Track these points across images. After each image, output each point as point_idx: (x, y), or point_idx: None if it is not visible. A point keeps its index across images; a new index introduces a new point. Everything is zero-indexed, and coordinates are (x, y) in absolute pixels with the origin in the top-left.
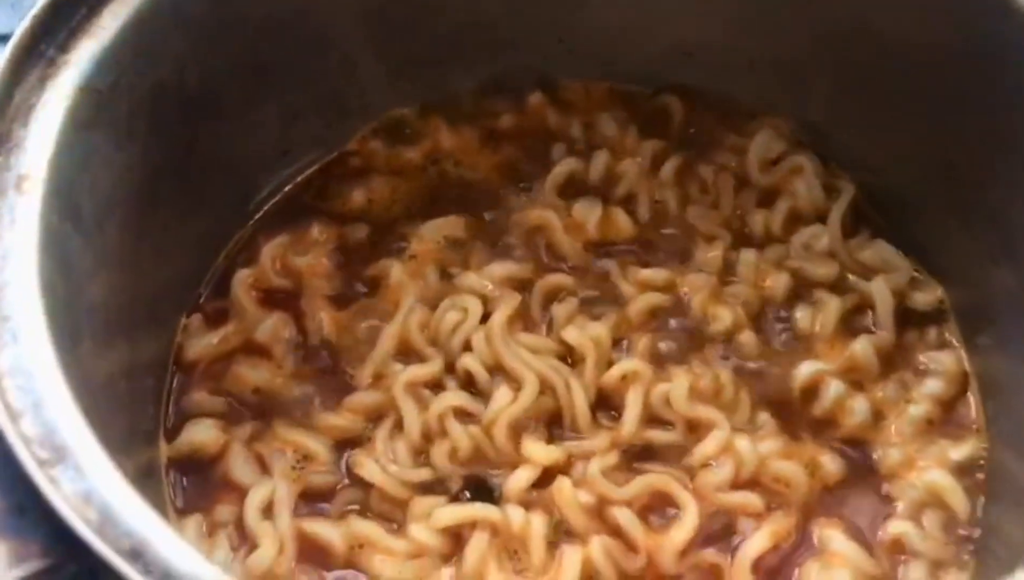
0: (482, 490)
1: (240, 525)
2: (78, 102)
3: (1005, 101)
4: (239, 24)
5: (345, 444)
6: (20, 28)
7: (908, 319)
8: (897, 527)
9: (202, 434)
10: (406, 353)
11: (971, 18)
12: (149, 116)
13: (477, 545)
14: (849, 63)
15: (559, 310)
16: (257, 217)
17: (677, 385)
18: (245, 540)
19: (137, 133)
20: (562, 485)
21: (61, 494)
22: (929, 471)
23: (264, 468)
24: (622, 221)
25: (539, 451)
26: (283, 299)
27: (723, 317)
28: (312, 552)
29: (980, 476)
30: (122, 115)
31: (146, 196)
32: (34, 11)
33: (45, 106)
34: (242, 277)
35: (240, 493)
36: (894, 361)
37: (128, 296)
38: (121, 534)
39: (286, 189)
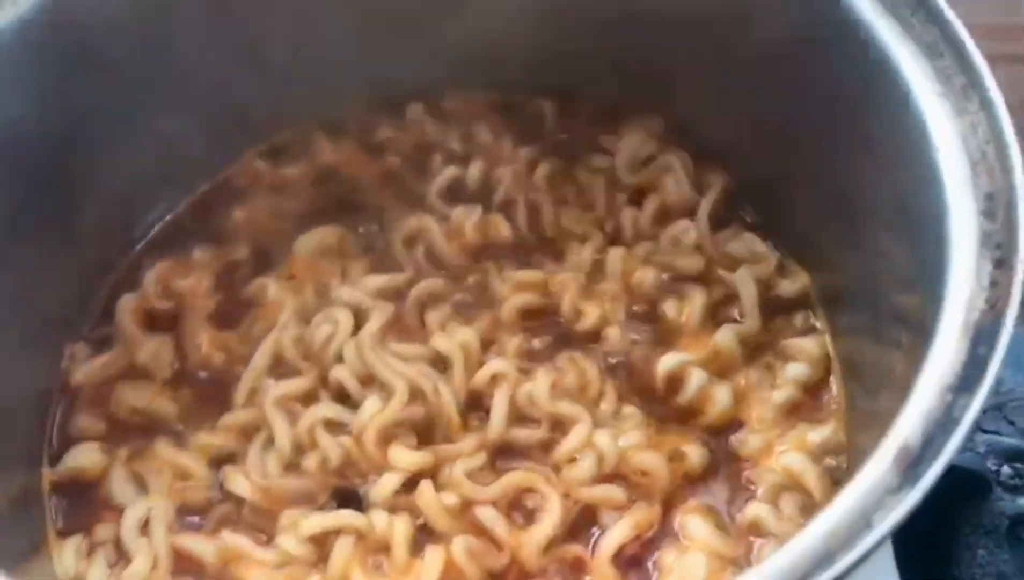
0: (350, 499)
1: (119, 543)
2: None
3: (838, 87)
4: (100, 58)
5: (222, 461)
6: None
7: (776, 307)
8: (754, 510)
9: (84, 458)
10: (281, 368)
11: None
12: (13, 148)
13: (341, 550)
14: (706, 57)
15: (432, 317)
16: (142, 244)
17: (539, 383)
18: (122, 557)
19: (9, 161)
20: (423, 488)
21: None
22: (787, 455)
23: (143, 487)
24: (500, 225)
25: (404, 457)
26: (166, 322)
27: (590, 313)
28: (186, 566)
29: (841, 458)
30: None
31: (17, 225)
32: None
33: None
34: (126, 302)
35: (119, 512)
36: (761, 349)
37: (4, 326)
38: None
39: (170, 214)
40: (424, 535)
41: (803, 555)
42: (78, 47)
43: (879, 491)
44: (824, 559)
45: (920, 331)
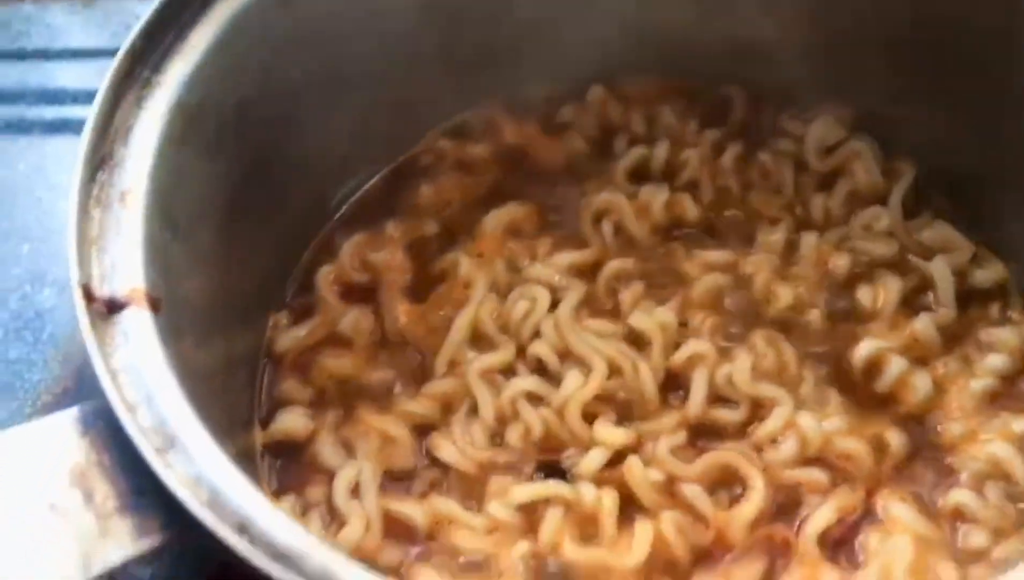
0: (555, 472)
1: (330, 505)
2: (171, 120)
3: None
4: (315, 37)
5: (424, 428)
6: (119, 55)
7: (970, 297)
8: (958, 496)
9: (292, 421)
10: (478, 341)
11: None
12: (235, 129)
13: (552, 519)
14: (902, 45)
15: (626, 295)
16: (336, 218)
17: (740, 365)
18: (335, 519)
19: (224, 146)
20: (632, 464)
21: (175, 477)
22: (991, 443)
23: (350, 451)
24: (687, 205)
25: (610, 433)
26: (362, 293)
27: (784, 295)
28: (397, 529)
29: None
30: (210, 130)
31: (234, 203)
32: (130, 37)
33: (141, 125)
34: (324, 274)
35: (329, 475)
36: (956, 338)
37: (222, 296)
38: (228, 511)
39: (361, 190)
40: (628, 512)
41: None
42: (296, 24)
43: None
44: None
45: None
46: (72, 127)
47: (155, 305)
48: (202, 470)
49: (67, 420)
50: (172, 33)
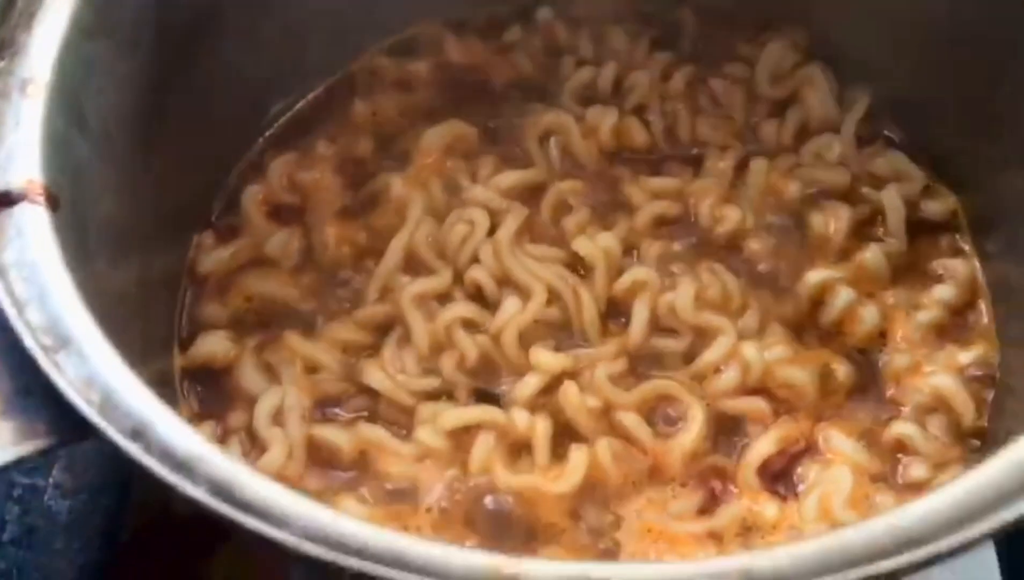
0: (490, 400)
1: (251, 431)
2: (80, 8)
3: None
4: None
5: (353, 354)
6: None
7: (921, 228)
8: (900, 428)
9: (214, 345)
10: (413, 266)
11: None
12: (153, 26)
13: (483, 445)
14: None
15: (570, 220)
16: (266, 135)
17: (682, 293)
18: (256, 445)
19: (141, 43)
20: (568, 389)
21: (65, 378)
22: (935, 375)
23: (275, 378)
24: (635, 129)
25: (547, 358)
26: (291, 215)
27: (731, 217)
28: (321, 456)
29: (987, 382)
30: (126, 23)
31: (152, 109)
32: None
33: (48, 11)
34: (252, 193)
35: (251, 401)
36: (906, 269)
37: (140, 209)
38: (122, 415)
39: (294, 108)
40: (562, 439)
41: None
42: None
43: None
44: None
45: None
46: None
47: (54, 202)
48: (95, 371)
49: None
50: None
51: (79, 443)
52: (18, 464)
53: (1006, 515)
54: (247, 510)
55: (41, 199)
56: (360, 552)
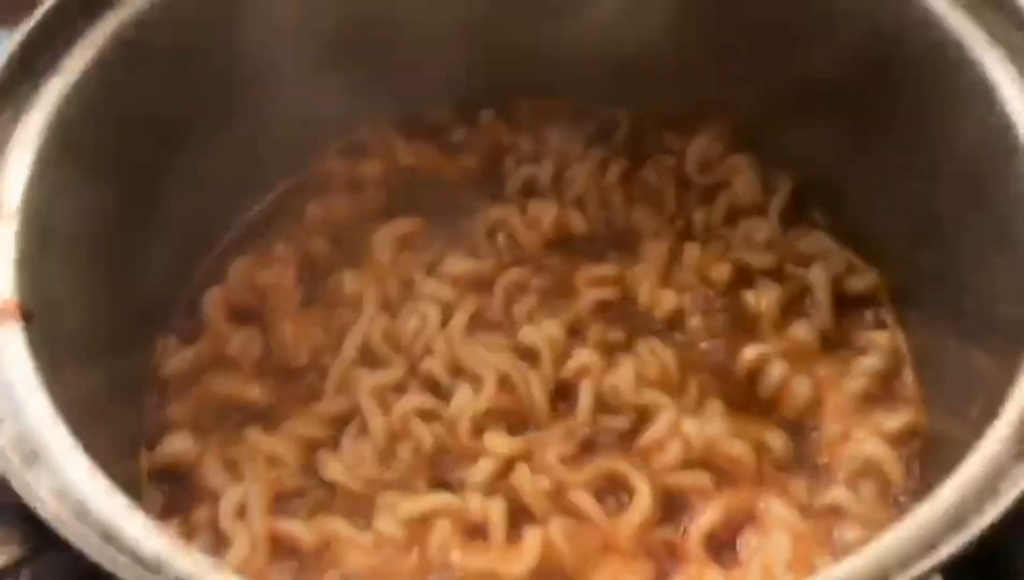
0: (446, 487)
1: (216, 527)
2: (48, 137)
3: (909, 96)
4: (203, 55)
5: (313, 448)
6: None
7: (846, 304)
8: (834, 495)
9: (179, 444)
10: (369, 359)
11: (877, 17)
12: (117, 149)
13: (441, 530)
14: (775, 64)
15: (519, 307)
16: (224, 240)
17: (623, 374)
18: (221, 541)
19: (106, 164)
20: (519, 471)
21: (36, 494)
22: (866, 442)
23: (237, 474)
24: (575, 219)
25: (500, 443)
26: (251, 315)
27: (668, 299)
28: (284, 548)
29: (916, 444)
30: (89, 149)
31: (118, 223)
32: (7, 52)
33: (18, 140)
34: (212, 296)
35: (216, 498)
36: (835, 342)
37: (107, 317)
38: (93, 521)
39: (253, 211)
40: (518, 520)
41: (936, 519)
42: (182, 43)
43: (1003, 459)
44: (956, 523)
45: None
46: None
47: (28, 316)
48: (68, 482)
49: None
50: (48, 53)
51: (53, 553)
52: None
53: (925, 564)
54: None
55: (15, 317)
56: None
